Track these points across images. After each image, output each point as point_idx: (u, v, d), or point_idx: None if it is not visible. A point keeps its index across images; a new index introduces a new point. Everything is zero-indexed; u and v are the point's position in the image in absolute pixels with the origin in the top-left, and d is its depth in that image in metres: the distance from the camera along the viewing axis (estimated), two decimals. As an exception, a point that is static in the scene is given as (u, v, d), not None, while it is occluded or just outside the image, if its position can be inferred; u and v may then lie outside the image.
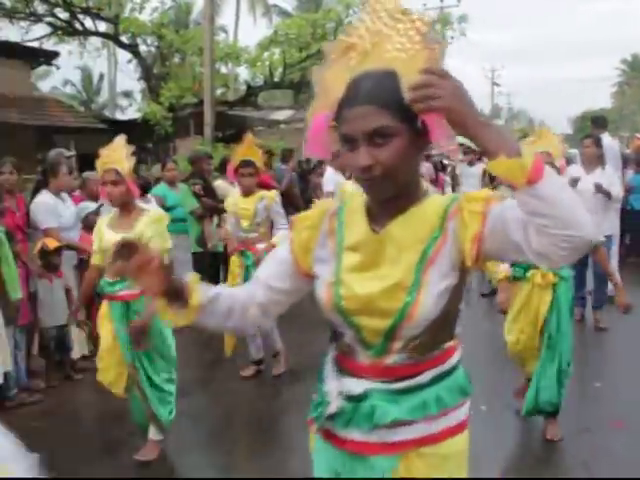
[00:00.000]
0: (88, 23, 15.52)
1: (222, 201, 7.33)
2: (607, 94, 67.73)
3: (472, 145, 13.18)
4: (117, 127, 16.79)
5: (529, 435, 4.39)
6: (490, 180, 7.47)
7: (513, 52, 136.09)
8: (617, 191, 6.96)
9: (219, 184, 7.59)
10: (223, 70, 18.91)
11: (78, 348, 5.70)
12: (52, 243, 5.28)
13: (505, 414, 4.65)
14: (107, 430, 4.62)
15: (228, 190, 7.59)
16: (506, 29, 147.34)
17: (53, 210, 5.57)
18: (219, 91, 17.70)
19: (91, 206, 6.07)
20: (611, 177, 6.99)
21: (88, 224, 5.92)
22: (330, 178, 7.88)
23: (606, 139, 8.34)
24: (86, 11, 14.98)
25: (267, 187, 8.67)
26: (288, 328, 7.11)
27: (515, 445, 4.31)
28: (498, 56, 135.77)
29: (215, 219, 7.17)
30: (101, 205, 6.37)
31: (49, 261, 5.30)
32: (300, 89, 20.81)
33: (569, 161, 16.24)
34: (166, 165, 7.56)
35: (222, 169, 7.86)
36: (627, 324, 5.80)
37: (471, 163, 10.32)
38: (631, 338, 6.18)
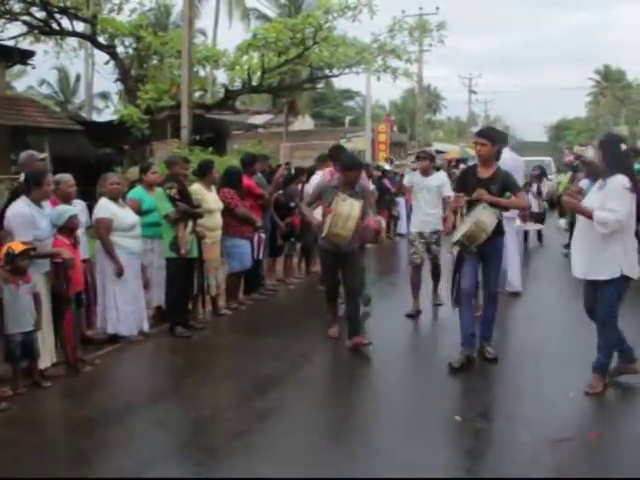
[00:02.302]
0: (65, 23, 15.30)
1: (198, 206, 7.27)
2: (582, 103, 68.68)
3: (430, 150, 9.77)
4: (93, 129, 16.64)
5: (503, 443, 4.37)
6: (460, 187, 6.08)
7: (489, 60, 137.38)
8: (609, 217, 4.89)
9: (195, 188, 7.52)
10: (201, 73, 18.80)
11: (48, 355, 5.58)
12: (18, 246, 5.16)
13: (479, 423, 4.64)
14: (76, 439, 4.51)
15: (204, 195, 7.55)
16: (483, 37, 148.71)
17: (30, 222, 5.35)
18: (197, 94, 17.56)
19: (72, 209, 5.96)
20: (611, 192, 4.99)
21: (70, 226, 5.82)
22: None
23: (506, 153, 7.61)
24: (63, 11, 14.78)
25: (252, 193, 8.65)
26: (270, 335, 7.09)
27: (489, 453, 4.29)
28: (475, 64, 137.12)
29: (190, 224, 7.07)
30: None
31: (16, 265, 5.17)
32: (278, 94, 20.77)
33: (543, 170, 16.56)
34: (148, 168, 7.47)
35: (199, 173, 7.78)
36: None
37: (426, 172, 8.03)
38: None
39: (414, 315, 7.72)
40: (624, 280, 5.05)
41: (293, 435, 4.55)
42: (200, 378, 5.73)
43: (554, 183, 17.13)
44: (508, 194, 5.92)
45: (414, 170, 8.22)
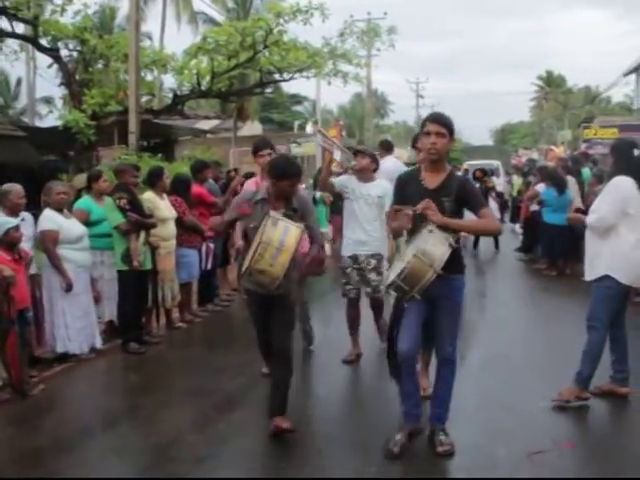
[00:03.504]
0: (4, 24, 14.70)
1: (150, 215, 6.96)
2: (526, 108, 70.12)
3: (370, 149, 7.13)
4: (37, 135, 16.04)
5: (479, 457, 4.22)
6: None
7: (436, 65, 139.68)
8: (591, 217, 4.97)
9: (147, 197, 7.20)
10: (149, 77, 18.29)
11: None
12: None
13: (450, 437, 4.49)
14: (24, 471, 4.18)
15: (157, 203, 7.24)
16: (429, 43, 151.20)
17: None
18: (144, 99, 17.10)
19: (12, 221, 5.58)
20: (602, 193, 5.08)
21: (9, 240, 5.45)
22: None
23: (390, 161, 7.80)
24: (2, 11, 14.17)
25: (204, 202, 8.34)
26: (229, 350, 6.81)
27: (464, 469, 4.14)
28: (421, 69, 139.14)
29: (142, 235, 6.76)
30: (22, 220, 5.91)
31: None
32: (227, 98, 20.42)
33: (491, 173, 16.72)
34: (98, 176, 7.06)
35: (149, 182, 7.46)
36: (568, 340, 5.74)
37: (365, 176, 6.14)
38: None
39: (352, 361, 6.21)
40: (612, 282, 4.86)
41: (258, 458, 4.33)
42: (158, 398, 5.42)
43: (507, 185, 17.31)
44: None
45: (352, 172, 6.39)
